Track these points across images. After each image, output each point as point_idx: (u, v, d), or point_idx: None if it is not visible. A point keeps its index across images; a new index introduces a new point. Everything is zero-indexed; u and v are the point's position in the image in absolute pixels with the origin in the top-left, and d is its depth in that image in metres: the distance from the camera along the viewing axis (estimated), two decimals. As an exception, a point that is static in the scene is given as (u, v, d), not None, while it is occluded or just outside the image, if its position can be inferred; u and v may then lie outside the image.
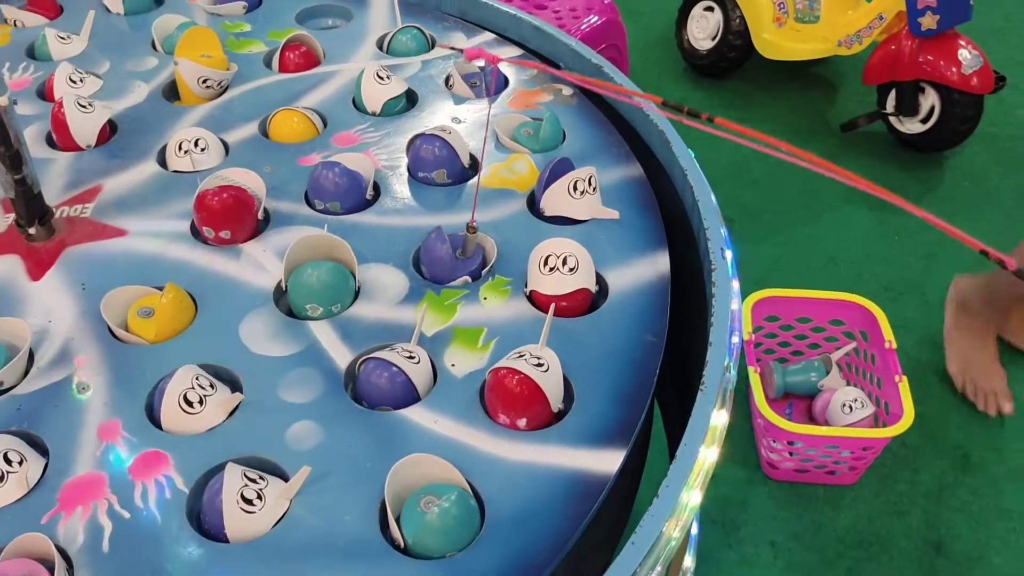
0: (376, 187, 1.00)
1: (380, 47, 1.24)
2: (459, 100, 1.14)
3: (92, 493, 0.71)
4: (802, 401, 1.80)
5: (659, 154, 1.01)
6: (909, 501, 1.68)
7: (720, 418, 0.74)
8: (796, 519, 1.64)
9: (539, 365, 0.75)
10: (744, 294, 1.76)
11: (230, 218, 0.91)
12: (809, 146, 2.44)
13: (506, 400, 0.74)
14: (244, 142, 1.07)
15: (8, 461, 0.72)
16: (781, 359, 1.86)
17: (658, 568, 0.65)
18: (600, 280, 0.89)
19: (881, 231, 2.24)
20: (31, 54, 1.23)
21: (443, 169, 0.99)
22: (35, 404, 0.78)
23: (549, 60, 1.20)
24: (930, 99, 2.30)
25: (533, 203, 0.98)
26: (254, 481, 0.70)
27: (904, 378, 1.62)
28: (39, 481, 0.73)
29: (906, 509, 1.67)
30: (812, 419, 1.76)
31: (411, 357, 0.80)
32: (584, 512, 0.70)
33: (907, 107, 2.32)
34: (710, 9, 2.58)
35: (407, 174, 1.02)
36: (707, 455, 0.71)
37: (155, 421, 0.77)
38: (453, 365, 0.81)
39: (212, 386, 0.78)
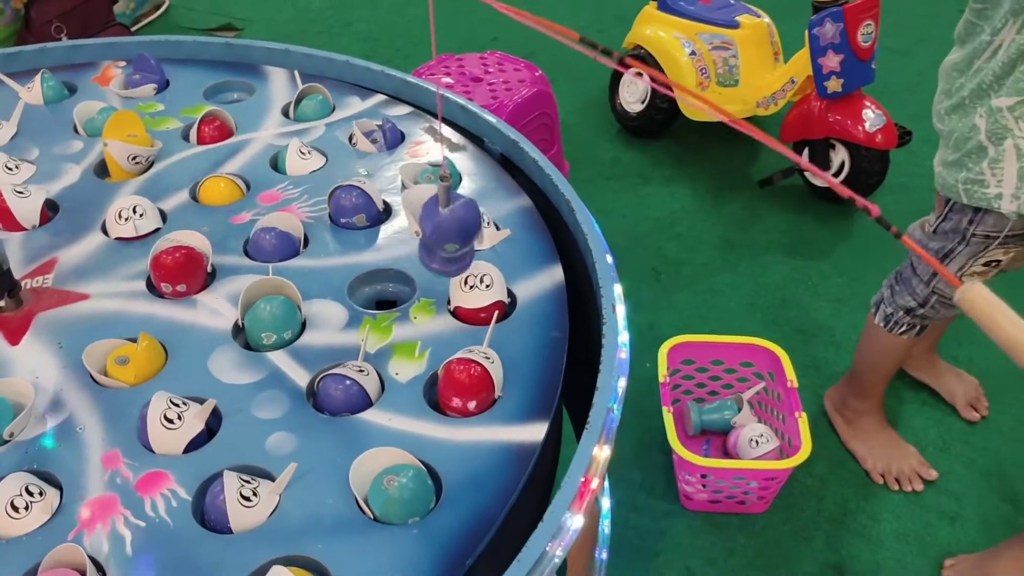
0: (305, 237, 1.16)
1: (285, 115, 1.41)
2: (363, 155, 1.32)
3: (108, 511, 0.85)
4: (718, 437, 2.00)
5: (567, 219, 1.19)
6: (814, 527, 1.86)
7: (603, 452, 0.88)
8: (710, 546, 1.81)
9: (487, 358, 0.94)
10: (665, 339, 1.97)
11: (184, 273, 1.06)
12: (732, 200, 2.71)
13: (461, 386, 0.92)
14: (179, 208, 1.22)
15: (30, 493, 0.85)
16: (699, 399, 2.05)
17: None
18: (510, 293, 1.08)
19: (795, 278, 2.46)
20: (-40, 145, 1.35)
21: (362, 214, 1.17)
22: (40, 447, 0.91)
23: (471, 133, 1.37)
24: (840, 155, 2.54)
25: (443, 236, 1.17)
26: (248, 482, 0.86)
27: (803, 414, 1.82)
28: (58, 507, 0.86)
29: (811, 534, 1.84)
30: (727, 453, 1.95)
31: (361, 371, 0.97)
32: (521, 473, 0.88)
33: (819, 163, 2.57)
34: (640, 75, 2.80)
35: (330, 222, 1.19)
36: (589, 485, 0.85)
37: (148, 447, 0.91)
38: (397, 373, 0.99)
39: (184, 403, 0.92)
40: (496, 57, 2.27)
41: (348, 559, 0.81)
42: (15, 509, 0.84)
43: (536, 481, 0.92)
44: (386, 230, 1.18)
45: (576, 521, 0.82)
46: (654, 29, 2.73)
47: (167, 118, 1.39)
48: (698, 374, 2.04)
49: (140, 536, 0.83)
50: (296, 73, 1.45)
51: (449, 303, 1.07)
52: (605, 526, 1.33)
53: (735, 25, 2.66)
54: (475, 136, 1.37)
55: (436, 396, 0.97)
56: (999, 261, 1.59)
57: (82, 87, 1.47)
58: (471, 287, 1.04)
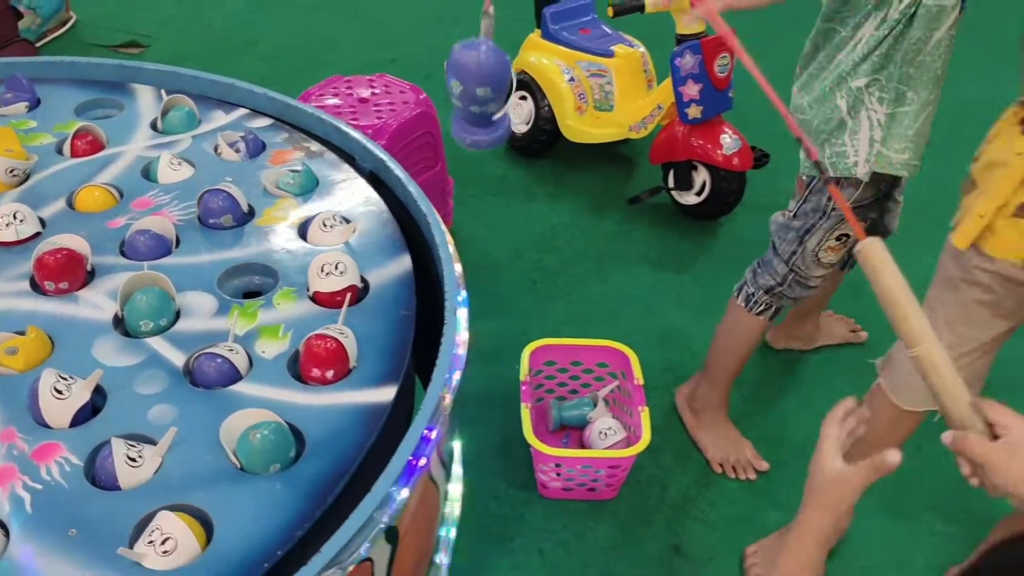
0: (177, 238, 1.30)
1: (154, 128, 1.53)
2: (227, 164, 1.46)
3: (6, 478, 0.98)
4: (576, 432, 2.17)
5: (425, 233, 1.34)
6: (657, 512, 2.02)
7: (435, 435, 1.04)
8: (563, 530, 1.96)
9: (342, 333, 1.09)
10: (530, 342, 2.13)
11: (66, 272, 1.19)
12: (607, 215, 2.89)
13: (319, 359, 1.08)
14: (56, 215, 1.33)
15: (-66, 466, 0.97)
16: (560, 397, 2.21)
17: (367, 544, 0.94)
18: (363, 279, 1.24)
19: (659, 289, 2.65)
20: None
21: (229, 215, 1.31)
22: (-62, 428, 1.03)
23: (344, 152, 1.52)
24: (702, 176, 2.74)
25: (303, 234, 1.32)
26: (133, 446, 0.99)
27: (646, 409, 1.98)
28: (-40, 478, 0.98)
29: (654, 519, 2.00)
30: (583, 446, 2.11)
31: (231, 350, 1.11)
32: (374, 428, 1.05)
33: (683, 183, 2.76)
34: (524, 98, 2.95)
35: (199, 223, 1.33)
36: (417, 462, 1.00)
37: (41, 422, 1.03)
38: (263, 352, 1.14)
39: (72, 378, 1.05)
40: (384, 80, 2.40)
41: (224, 504, 0.96)
42: (-79, 480, 0.95)
43: (389, 435, 1.08)
44: (251, 229, 1.32)
45: (403, 492, 0.98)
46: (538, 56, 2.91)
47: (40, 134, 1.50)
48: (559, 374, 2.20)
49: (38, 497, 0.96)
50: (163, 91, 1.57)
51: (308, 290, 1.22)
52: (454, 507, 1.49)
53: (610, 54, 2.85)
54: (348, 154, 1.52)
55: (298, 369, 1.12)
56: (849, 235, 1.83)
57: (-47, 107, 1.56)
58: (327, 274, 1.20)
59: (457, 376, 1.12)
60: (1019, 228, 1.38)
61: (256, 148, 1.48)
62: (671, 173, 2.79)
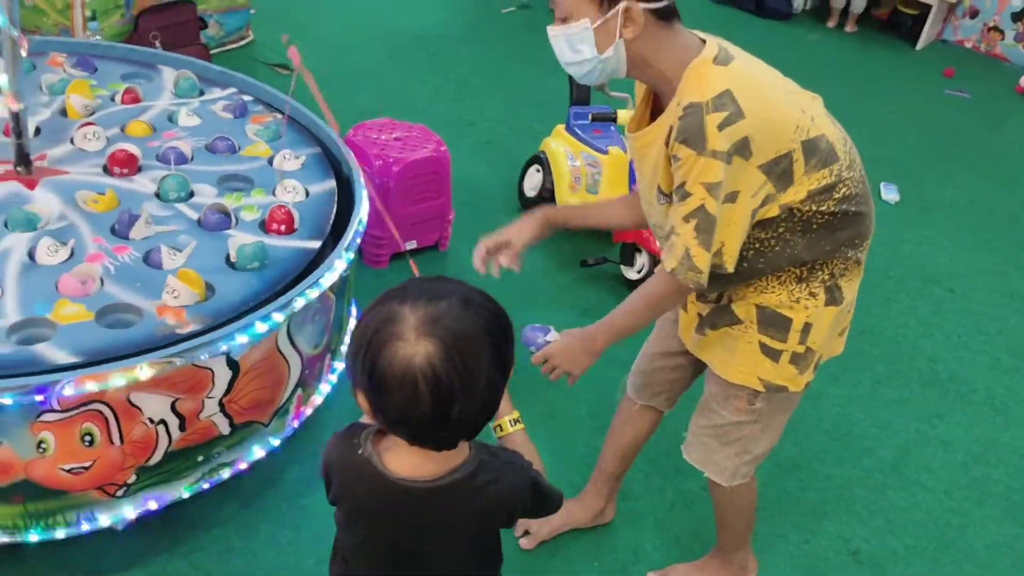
0: (192, 155, 2.10)
1: (172, 92, 2.34)
2: (222, 118, 2.26)
3: (99, 259, 1.77)
4: None
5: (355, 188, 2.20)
6: None
7: (282, 317, 1.93)
8: None
9: (293, 205, 1.91)
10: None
11: (127, 163, 2.01)
12: (565, 271, 3.35)
13: (279, 220, 1.93)
14: (115, 136, 2.13)
15: (56, 248, 1.75)
16: None
17: (206, 355, 1.80)
18: (307, 192, 2.05)
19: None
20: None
21: (228, 152, 2.12)
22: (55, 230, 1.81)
23: (323, 143, 2.35)
24: (643, 258, 3.32)
25: (270, 162, 2.13)
26: (171, 248, 1.79)
27: None
28: (70, 256, 1.76)
29: None
30: None
31: (227, 212, 1.91)
32: (309, 257, 1.87)
33: (627, 260, 3.36)
34: (538, 171, 3.66)
35: (206, 150, 2.13)
36: (262, 327, 1.85)
37: (122, 235, 1.82)
38: (245, 217, 1.94)
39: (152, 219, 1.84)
40: (418, 128, 3.12)
41: (226, 281, 1.78)
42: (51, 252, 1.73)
43: (315, 265, 1.89)
44: (237, 156, 2.15)
45: (240, 339, 1.74)
46: (558, 143, 3.61)
47: (99, 88, 2.30)
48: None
49: (117, 269, 1.75)
50: (176, 72, 2.39)
51: (275, 195, 2.03)
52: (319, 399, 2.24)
53: (604, 152, 3.45)
54: (326, 144, 2.34)
55: (266, 227, 1.93)
56: None
57: (40, 66, 2.34)
58: (288, 191, 2.02)
59: (314, 293, 1.88)
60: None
61: (242, 111, 2.30)
62: (621, 250, 3.43)
